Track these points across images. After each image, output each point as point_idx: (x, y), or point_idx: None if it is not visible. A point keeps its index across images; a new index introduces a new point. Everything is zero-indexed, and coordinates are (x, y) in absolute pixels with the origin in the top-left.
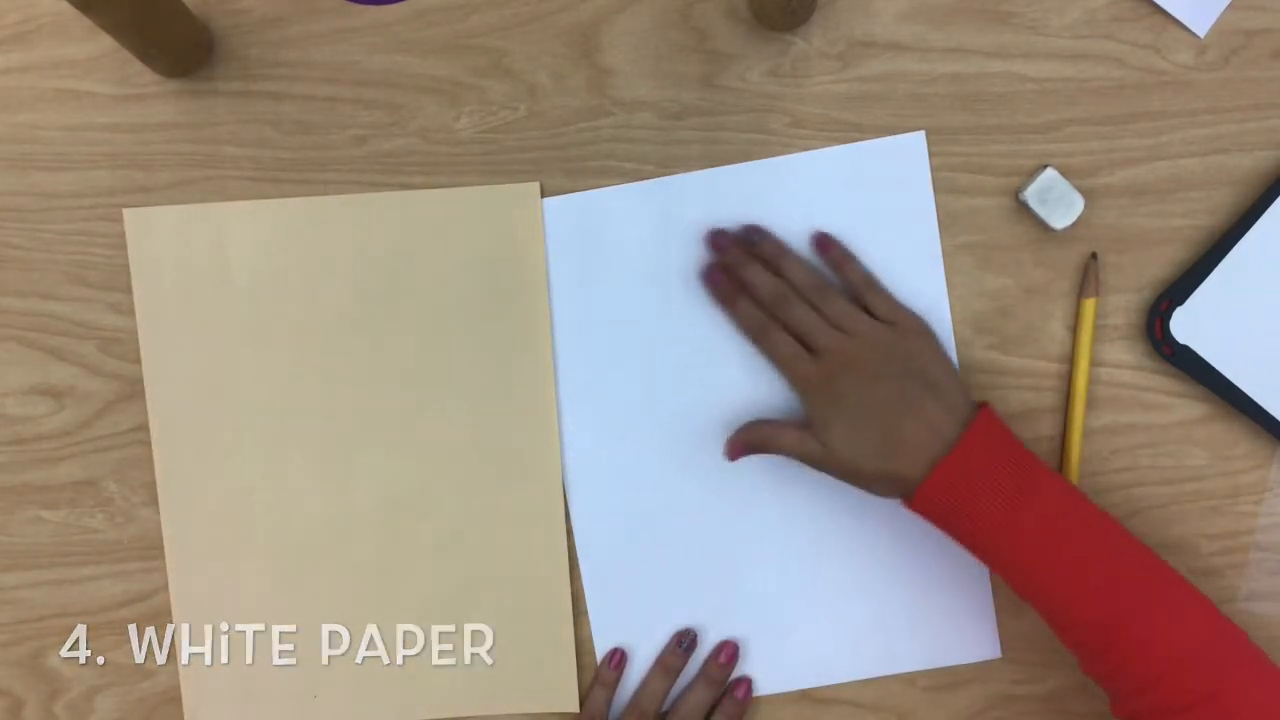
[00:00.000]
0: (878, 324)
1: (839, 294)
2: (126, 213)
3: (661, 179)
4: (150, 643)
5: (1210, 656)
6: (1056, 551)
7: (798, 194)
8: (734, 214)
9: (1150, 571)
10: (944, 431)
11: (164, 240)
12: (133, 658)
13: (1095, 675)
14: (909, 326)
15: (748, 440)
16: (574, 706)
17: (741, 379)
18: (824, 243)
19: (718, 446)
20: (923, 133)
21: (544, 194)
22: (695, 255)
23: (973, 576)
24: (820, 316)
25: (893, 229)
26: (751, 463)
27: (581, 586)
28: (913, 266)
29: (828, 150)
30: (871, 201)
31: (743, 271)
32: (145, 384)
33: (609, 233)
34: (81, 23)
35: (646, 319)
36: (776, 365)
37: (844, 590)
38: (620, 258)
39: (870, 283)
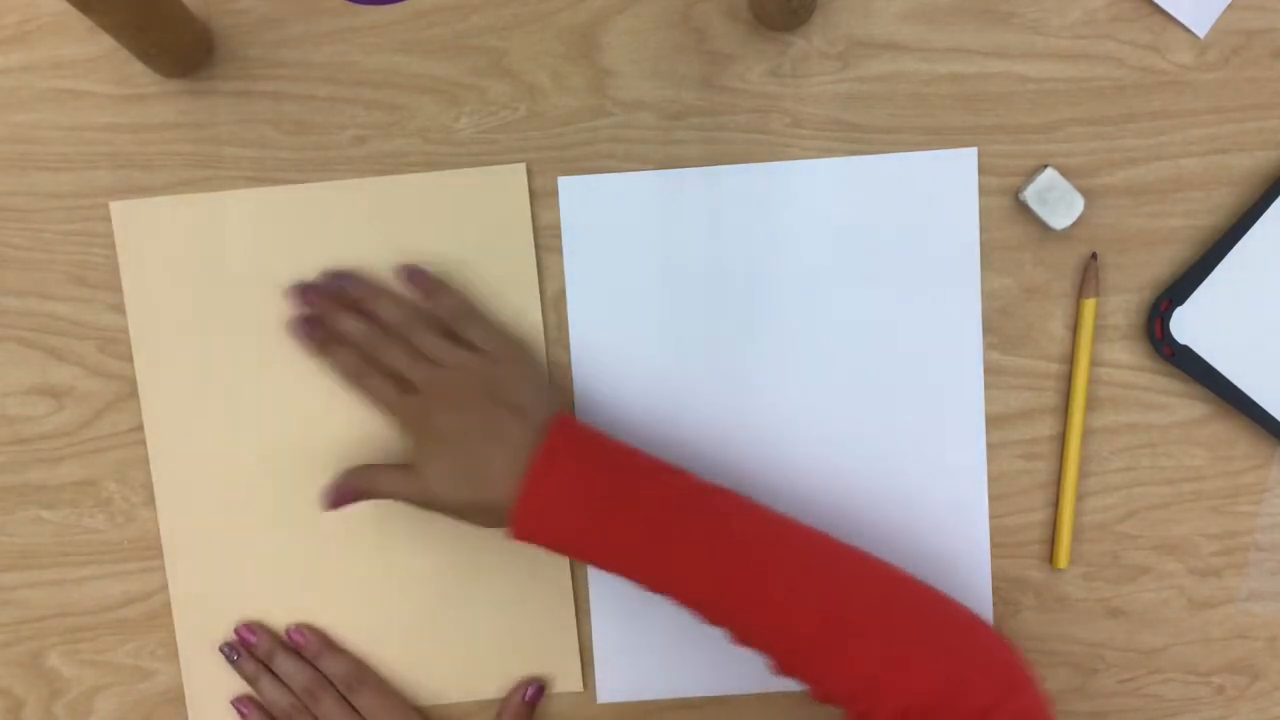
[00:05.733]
0: (469, 354)
1: (430, 328)
2: (113, 205)
3: (705, 169)
4: (150, 642)
5: (826, 593)
6: (660, 538)
7: (841, 197)
8: (774, 210)
9: (763, 525)
10: (522, 452)
11: (152, 232)
12: (133, 658)
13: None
14: (502, 353)
15: (348, 486)
16: (577, 686)
17: (761, 366)
18: (413, 276)
19: (725, 437)
20: (974, 149)
21: (546, 190)
22: (723, 249)
23: (972, 597)
24: (413, 353)
25: (932, 242)
26: (762, 452)
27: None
28: (948, 279)
29: (878, 157)
30: (915, 211)
31: (332, 321)
32: (138, 380)
33: (633, 219)
34: (81, 23)
35: (659, 307)
36: (378, 409)
37: None
38: (645, 246)
39: (463, 311)
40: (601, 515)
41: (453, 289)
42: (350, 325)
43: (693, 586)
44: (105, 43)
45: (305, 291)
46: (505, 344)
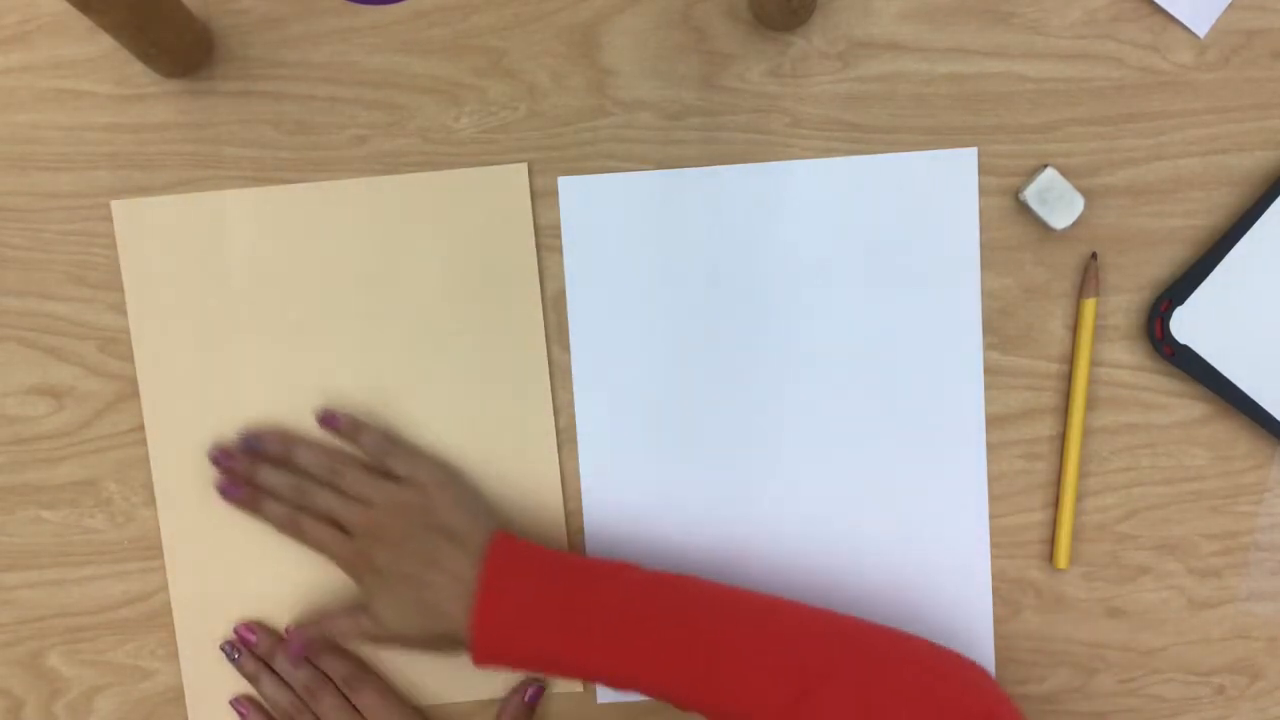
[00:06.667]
0: (397, 488)
1: (355, 467)
2: (114, 204)
3: (705, 169)
4: (150, 642)
5: (793, 663)
6: (621, 637)
7: (841, 197)
8: (774, 210)
9: (719, 604)
10: (466, 578)
11: (153, 232)
12: (133, 658)
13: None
14: (430, 481)
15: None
16: (577, 686)
17: (761, 366)
18: (329, 419)
19: (724, 436)
20: (974, 149)
21: (546, 190)
22: (723, 249)
23: (972, 597)
24: (342, 497)
25: (932, 242)
26: (761, 452)
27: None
28: (948, 279)
29: (878, 157)
30: (915, 211)
31: (256, 478)
32: (138, 380)
33: (633, 219)
34: (81, 23)
35: (659, 307)
36: (321, 553)
37: (840, 596)
38: (645, 246)
39: (385, 446)
40: (558, 625)
41: (371, 425)
42: (274, 479)
43: (658, 678)
44: (105, 43)
45: (223, 455)
46: (432, 471)
